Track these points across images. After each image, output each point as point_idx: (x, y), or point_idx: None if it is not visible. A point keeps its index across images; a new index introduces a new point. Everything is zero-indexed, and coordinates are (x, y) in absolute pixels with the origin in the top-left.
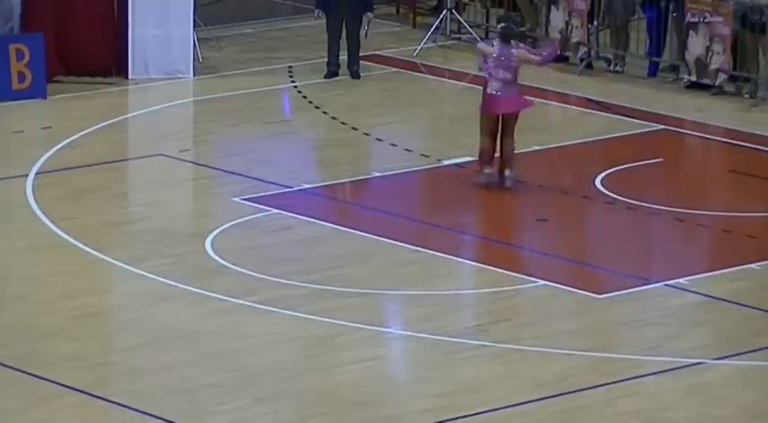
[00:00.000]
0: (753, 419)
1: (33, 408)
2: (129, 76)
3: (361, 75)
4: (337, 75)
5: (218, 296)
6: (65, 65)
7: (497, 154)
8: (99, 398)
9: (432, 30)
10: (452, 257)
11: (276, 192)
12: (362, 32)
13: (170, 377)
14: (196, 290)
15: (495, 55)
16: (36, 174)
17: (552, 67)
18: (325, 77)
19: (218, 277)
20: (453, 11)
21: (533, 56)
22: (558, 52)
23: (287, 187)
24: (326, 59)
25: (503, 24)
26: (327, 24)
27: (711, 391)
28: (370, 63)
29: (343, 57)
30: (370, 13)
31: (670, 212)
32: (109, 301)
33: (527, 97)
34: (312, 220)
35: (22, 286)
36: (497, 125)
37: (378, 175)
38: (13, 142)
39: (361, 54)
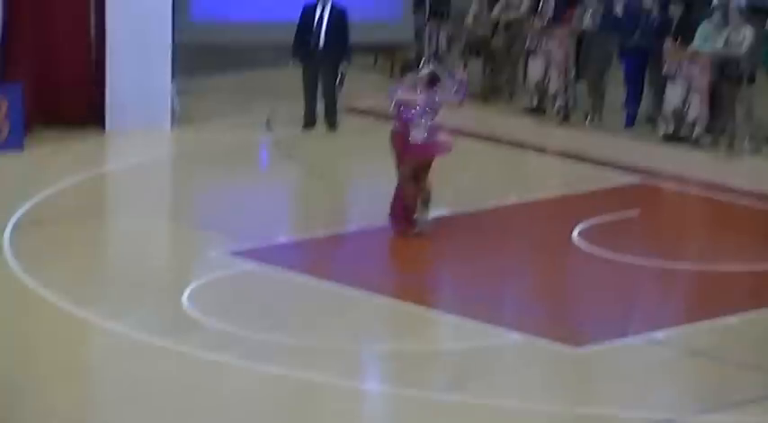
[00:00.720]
0: None
1: None
2: (107, 128)
3: (339, 126)
4: (314, 126)
5: (194, 350)
6: (43, 116)
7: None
8: None
9: None
10: (429, 310)
11: (254, 245)
12: (337, 83)
13: None
14: (172, 344)
15: (419, 103)
16: (13, 226)
17: (530, 117)
18: (302, 128)
19: (195, 331)
20: (431, 61)
21: (454, 98)
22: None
23: (265, 240)
24: (303, 111)
25: (428, 70)
26: (303, 76)
27: None
28: (347, 114)
29: (321, 108)
30: (345, 64)
31: (648, 265)
32: (84, 355)
33: (446, 138)
34: (290, 272)
35: None
36: (419, 170)
37: (356, 227)
38: None
39: (338, 105)
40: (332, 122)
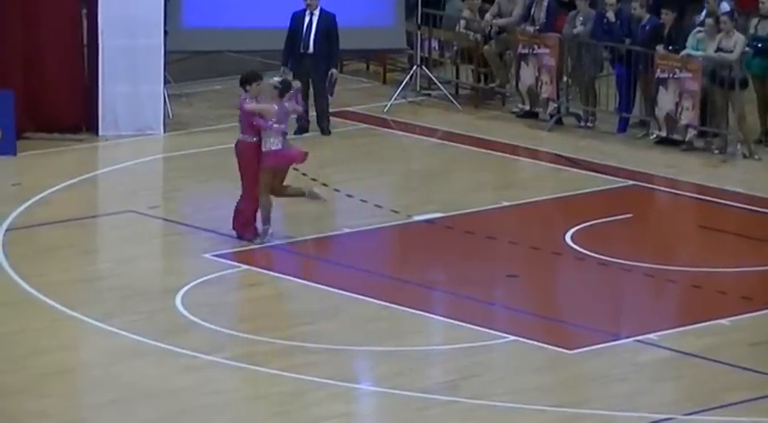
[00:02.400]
0: None
1: None
2: (99, 133)
3: (332, 131)
4: (307, 130)
5: (188, 352)
6: (35, 121)
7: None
8: None
9: (402, 86)
10: (422, 313)
11: (246, 248)
12: (328, 90)
13: None
14: (166, 346)
15: (275, 112)
16: (5, 230)
17: (522, 122)
18: (294, 134)
19: (188, 333)
20: (423, 67)
21: (297, 107)
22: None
23: (260, 242)
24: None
25: (281, 79)
26: None
27: None
28: (340, 119)
29: (313, 113)
30: (334, 70)
31: (640, 268)
32: (78, 358)
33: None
34: (282, 276)
35: None
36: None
37: (348, 231)
38: None
39: (331, 110)
40: (324, 127)
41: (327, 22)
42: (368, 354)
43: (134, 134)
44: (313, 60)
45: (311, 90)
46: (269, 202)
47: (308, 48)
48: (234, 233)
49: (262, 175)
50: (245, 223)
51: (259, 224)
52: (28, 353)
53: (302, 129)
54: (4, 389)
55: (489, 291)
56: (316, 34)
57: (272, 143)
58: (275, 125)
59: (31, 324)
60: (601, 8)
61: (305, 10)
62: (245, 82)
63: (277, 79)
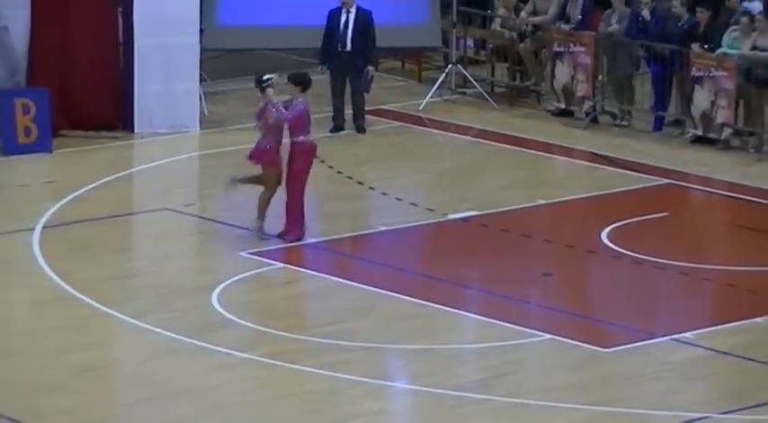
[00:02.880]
0: None
1: None
2: (135, 131)
3: (367, 129)
4: (343, 129)
5: (223, 350)
6: (70, 119)
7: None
8: None
9: (437, 84)
10: (457, 311)
11: (281, 246)
12: (365, 87)
13: None
14: (200, 343)
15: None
16: (41, 228)
17: (558, 121)
18: (330, 132)
19: (223, 331)
20: (459, 65)
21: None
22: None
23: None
24: (332, 114)
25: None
26: (330, 80)
27: None
28: (375, 117)
29: (349, 111)
30: (370, 67)
31: (675, 266)
32: (112, 356)
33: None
34: (317, 273)
35: (25, 340)
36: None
37: (383, 228)
38: (19, 196)
39: (366, 108)
40: (360, 125)
41: (364, 19)
42: (402, 352)
43: (169, 132)
44: (350, 58)
45: (347, 88)
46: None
47: (345, 46)
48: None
49: (272, 175)
50: (292, 222)
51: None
52: (62, 350)
53: (338, 127)
54: (38, 385)
55: (524, 289)
56: (353, 32)
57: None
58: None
59: (65, 321)
60: (636, 6)
61: (341, 8)
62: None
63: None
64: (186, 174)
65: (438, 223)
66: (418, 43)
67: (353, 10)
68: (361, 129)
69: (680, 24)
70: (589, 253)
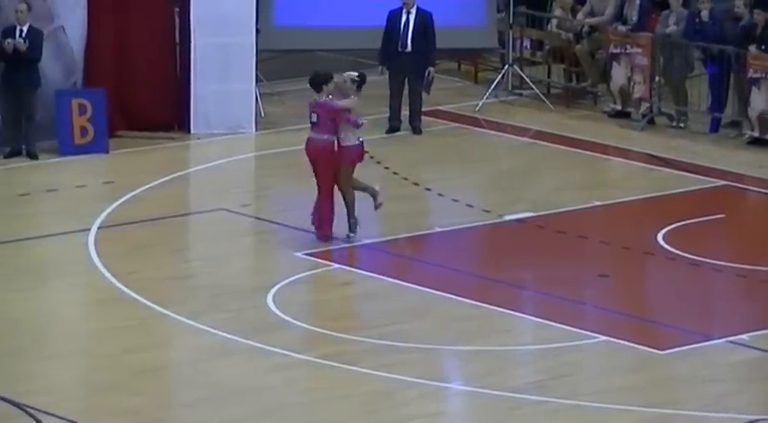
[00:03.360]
0: None
1: None
2: (191, 131)
3: (423, 130)
4: (399, 130)
5: (279, 351)
6: (127, 119)
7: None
8: None
9: (493, 85)
10: (512, 312)
11: (337, 246)
12: (425, 88)
13: None
14: (256, 344)
15: (354, 106)
16: (98, 228)
17: (614, 122)
18: (386, 133)
19: (279, 332)
20: (515, 66)
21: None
22: None
23: (347, 241)
24: (388, 115)
25: (358, 73)
26: (390, 81)
27: None
28: (431, 118)
29: (405, 112)
30: (431, 68)
31: (732, 268)
32: (169, 356)
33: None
34: (373, 274)
35: (83, 340)
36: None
37: (439, 230)
38: (75, 196)
39: (423, 109)
40: (416, 127)
41: (424, 20)
42: (458, 353)
43: (225, 132)
44: (411, 59)
45: (406, 89)
46: (353, 193)
47: (405, 46)
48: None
49: (345, 171)
50: (321, 222)
51: (336, 224)
52: (120, 350)
53: (394, 128)
54: (98, 385)
55: (580, 290)
56: (413, 33)
57: (351, 138)
58: (360, 119)
59: (122, 322)
60: (693, 8)
61: (401, 8)
62: (321, 83)
63: (355, 73)
64: (242, 174)
65: (494, 224)
66: (475, 44)
67: (414, 11)
68: (417, 130)
69: (742, 25)
70: (645, 254)
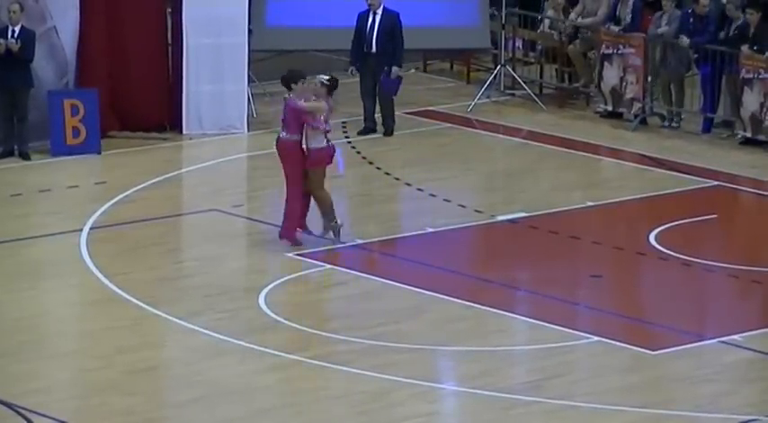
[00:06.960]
0: None
1: None
2: (184, 132)
3: (416, 130)
4: (374, 131)
5: (272, 351)
6: (119, 120)
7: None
8: None
9: (486, 85)
10: (506, 313)
11: (329, 247)
12: (390, 87)
13: None
14: (249, 345)
15: (326, 110)
16: (90, 229)
17: (606, 122)
18: (358, 134)
19: (272, 332)
20: (507, 66)
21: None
22: None
23: (340, 242)
24: (362, 116)
25: (329, 76)
26: (360, 82)
27: None
28: (424, 118)
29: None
30: (395, 68)
31: (724, 269)
32: (162, 356)
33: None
34: (365, 275)
35: (75, 341)
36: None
37: (431, 230)
38: (68, 197)
39: (415, 109)
40: (388, 128)
41: (391, 21)
42: (451, 353)
43: (218, 133)
44: (377, 60)
45: (377, 90)
46: (329, 196)
47: (371, 47)
48: (307, 232)
49: (313, 174)
50: (290, 226)
51: (311, 224)
52: (114, 351)
53: (368, 129)
54: (89, 386)
55: (573, 291)
56: (378, 33)
57: (318, 141)
58: (326, 124)
59: (115, 322)
60: (687, 8)
61: (369, 10)
62: (289, 81)
63: (325, 76)
64: (235, 175)
65: (487, 225)
66: (467, 45)
67: (380, 11)
68: (388, 131)
69: (737, 25)
70: (638, 255)
